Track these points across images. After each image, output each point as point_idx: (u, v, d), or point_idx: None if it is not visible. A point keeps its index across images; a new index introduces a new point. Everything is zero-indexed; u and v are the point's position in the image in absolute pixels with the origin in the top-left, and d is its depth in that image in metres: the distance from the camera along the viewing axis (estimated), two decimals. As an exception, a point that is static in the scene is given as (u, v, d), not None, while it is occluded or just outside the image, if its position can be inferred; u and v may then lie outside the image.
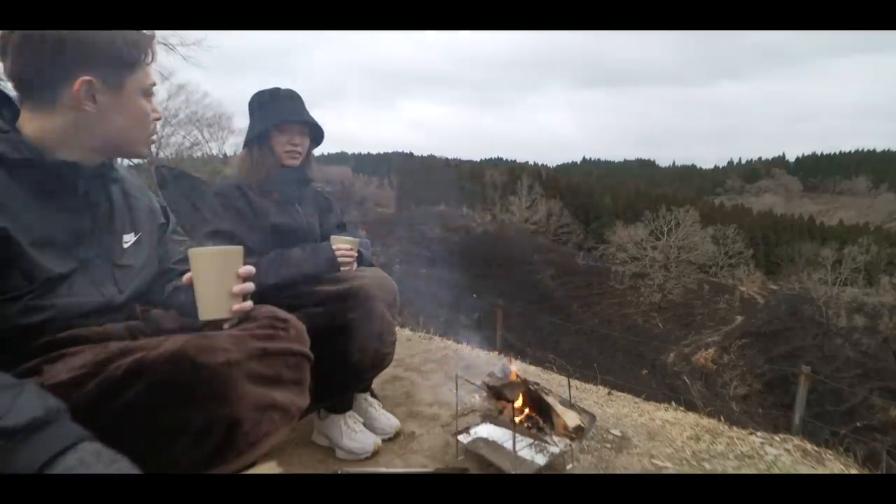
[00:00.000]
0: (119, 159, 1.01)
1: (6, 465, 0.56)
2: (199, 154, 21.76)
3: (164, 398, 0.71)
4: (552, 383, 2.16)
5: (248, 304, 0.90)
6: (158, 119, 0.98)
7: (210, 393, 0.73)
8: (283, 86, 1.60)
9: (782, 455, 1.67)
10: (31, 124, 0.83)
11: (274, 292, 1.37)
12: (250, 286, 0.90)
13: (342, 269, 1.50)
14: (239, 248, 0.91)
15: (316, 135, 1.64)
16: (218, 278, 0.87)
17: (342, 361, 1.41)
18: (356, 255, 1.55)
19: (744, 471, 1.54)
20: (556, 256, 33.32)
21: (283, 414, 0.84)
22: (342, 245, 1.51)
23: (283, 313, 0.95)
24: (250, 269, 0.90)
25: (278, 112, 1.53)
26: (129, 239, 0.97)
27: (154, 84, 0.94)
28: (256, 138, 1.54)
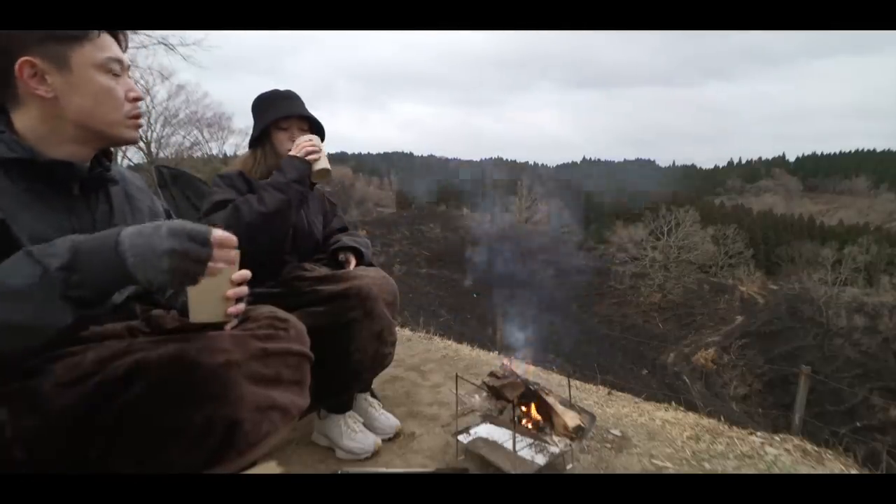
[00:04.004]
0: (119, 160, 1.00)
1: None
2: (199, 154, 21.73)
3: (165, 398, 0.71)
4: (552, 383, 2.15)
5: (241, 306, 0.89)
6: (138, 99, 0.92)
7: (210, 393, 0.73)
8: (273, 86, 1.63)
9: (782, 455, 1.67)
10: (16, 123, 0.83)
11: (271, 290, 1.38)
12: (244, 290, 0.88)
13: (319, 167, 1.48)
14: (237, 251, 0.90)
15: (318, 134, 1.64)
16: (209, 280, 0.85)
17: (342, 361, 1.41)
18: (319, 146, 1.52)
19: (744, 471, 1.54)
20: (556, 256, 33.30)
21: (284, 414, 0.84)
22: (302, 142, 1.48)
23: (283, 313, 0.95)
24: (245, 273, 0.89)
25: (276, 109, 1.56)
26: None
27: (115, 59, 0.87)
28: (258, 138, 1.56)
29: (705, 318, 27.27)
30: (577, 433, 1.43)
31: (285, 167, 1.44)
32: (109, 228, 0.92)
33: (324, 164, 1.50)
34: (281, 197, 1.37)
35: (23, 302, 0.64)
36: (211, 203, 1.40)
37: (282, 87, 1.63)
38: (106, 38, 0.87)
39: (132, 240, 0.69)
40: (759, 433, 1.87)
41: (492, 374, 1.62)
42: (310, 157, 1.47)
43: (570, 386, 1.90)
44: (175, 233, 0.71)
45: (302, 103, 1.60)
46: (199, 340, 0.76)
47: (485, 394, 1.60)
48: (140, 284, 0.70)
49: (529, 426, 1.48)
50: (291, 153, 1.47)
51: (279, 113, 1.54)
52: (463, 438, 1.52)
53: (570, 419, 1.45)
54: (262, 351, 0.83)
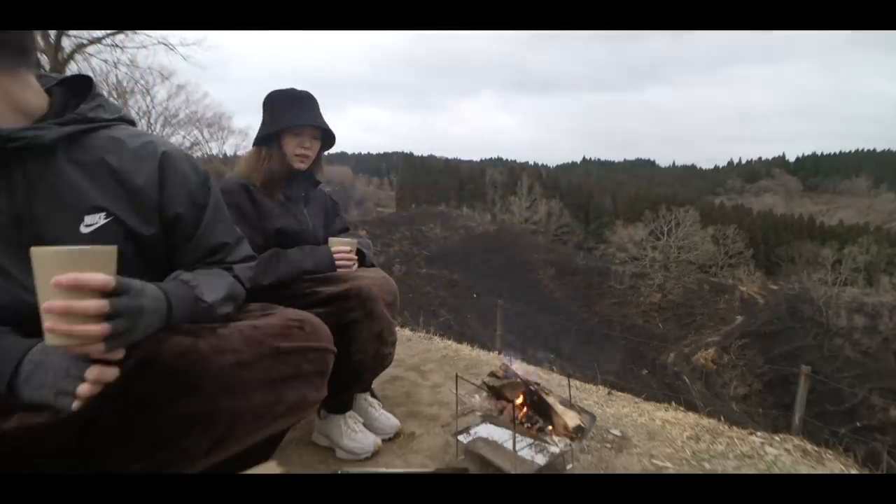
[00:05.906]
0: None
1: None
2: (199, 154, 21.73)
3: (172, 393, 0.71)
4: (552, 383, 2.15)
5: (104, 326, 0.63)
6: None
7: (216, 391, 0.74)
8: (273, 87, 1.59)
9: (782, 455, 1.67)
10: None
11: (270, 291, 1.38)
12: (103, 304, 0.63)
13: (341, 270, 1.50)
14: (110, 249, 0.67)
15: (327, 138, 1.64)
16: (61, 290, 0.61)
17: (342, 362, 1.41)
18: (355, 257, 1.55)
19: (744, 471, 1.54)
20: (556, 256, 33.30)
21: (292, 409, 0.85)
22: (341, 248, 1.50)
23: (295, 313, 0.95)
24: (108, 279, 0.64)
25: (292, 116, 1.51)
26: (92, 221, 0.81)
27: None
28: (267, 138, 1.52)
29: (705, 318, 27.27)
30: (577, 433, 1.43)
31: (316, 257, 1.47)
32: (61, 206, 0.80)
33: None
34: (289, 273, 1.42)
35: None
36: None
37: (279, 88, 1.56)
38: None
39: None
40: (759, 433, 1.87)
41: (492, 374, 1.62)
42: (339, 265, 1.50)
43: (570, 386, 1.90)
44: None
45: (318, 109, 1.56)
46: (209, 338, 0.76)
47: (485, 394, 1.59)
48: None
49: (529, 426, 1.48)
50: (332, 250, 1.50)
51: (295, 121, 1.51)
52: (463, 438, 1.52)
53: (570, 419, 1.45)
54: (275, 350, 0.83)
